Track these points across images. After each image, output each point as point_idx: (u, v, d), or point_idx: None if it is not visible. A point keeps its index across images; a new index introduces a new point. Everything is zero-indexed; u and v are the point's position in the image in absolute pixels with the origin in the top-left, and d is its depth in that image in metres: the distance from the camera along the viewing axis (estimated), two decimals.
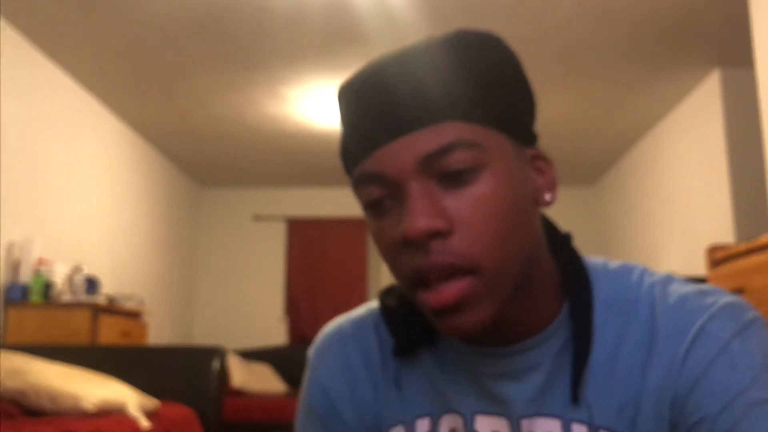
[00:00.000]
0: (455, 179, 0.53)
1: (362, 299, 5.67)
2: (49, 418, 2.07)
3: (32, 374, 2.21)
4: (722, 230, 3.63)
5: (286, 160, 5.28)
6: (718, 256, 2.45)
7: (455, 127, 0.53)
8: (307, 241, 5.93)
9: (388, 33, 3.24)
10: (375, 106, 0.55)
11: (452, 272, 0.53)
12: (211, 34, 3.29)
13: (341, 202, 5.95)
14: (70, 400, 2.15)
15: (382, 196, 0.56)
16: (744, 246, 2.27)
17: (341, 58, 3.53)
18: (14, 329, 3.13)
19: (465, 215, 0.53)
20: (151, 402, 2.47)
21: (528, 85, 0.60)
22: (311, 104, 4.16)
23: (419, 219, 0.52)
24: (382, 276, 6.07)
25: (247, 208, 6.07)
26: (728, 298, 0.58)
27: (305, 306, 5.81)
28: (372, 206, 0.57)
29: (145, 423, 2.25)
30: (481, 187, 0.53)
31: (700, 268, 3.64)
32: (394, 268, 0.57)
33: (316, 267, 5.88)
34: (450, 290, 0.53)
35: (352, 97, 0.58)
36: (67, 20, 3.16)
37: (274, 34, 3.28)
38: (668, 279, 0.62)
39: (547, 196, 0.60)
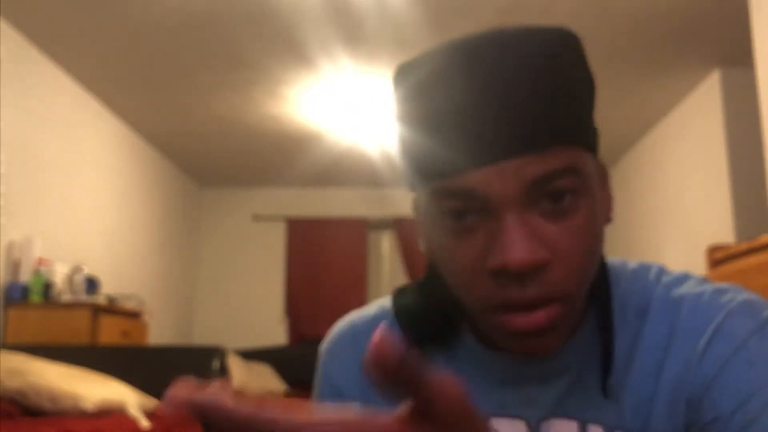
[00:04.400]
0: (557, 208, 0.51)
1: (362, 299, 5.67)
2: (49, 418, 2.07)
3: (32, 374, 2.21)
4: (722, 230, 3.63)
5: (286, 160, 5.28)
6: (718, 256, 2.45)
7: (561, 152, 0.51)
8: (307, 241, 5.93)
9: (388, 33, 3.24)
10: (481, 120, 0.50)
11: (545, 302, 0.52)
12: (211, 34, 3.29)
13: (341, 202, 5.95)
14: (70, 400, 2.15)
15: (470, 217, 0.52)
16: (744, 246, 2.28)
17: (341, 59, 3.53)
18: (14, 329, 3.13)
19: (563, 247, 0.51)
20: (151, 402, 2.47)
21: (593, 81, 0.57)
22: (311, 104, 4.16)
23: (521, 251, 0.49)
24: (382, 276, 6.07)
25: (247, 208, 6.07)
26: (745, 296, 0.58)
27: (305, 306, 5.81)
28: (451, 219, 0.52)
29: (145, 423, 2.25)
30: (580, 218, 0.52)
31: (700, 268, 3.63)
32: (469, 290, 0.54)
33: (316, 267, 5.88)
34: (542, 315, 0.51)
35: (448, 94, 0.51)
36: (67, 20, 3.16)
37: (274, 34, 3.28)
38: (684, 277, 0.62)
39: (611, 214, 0.59)
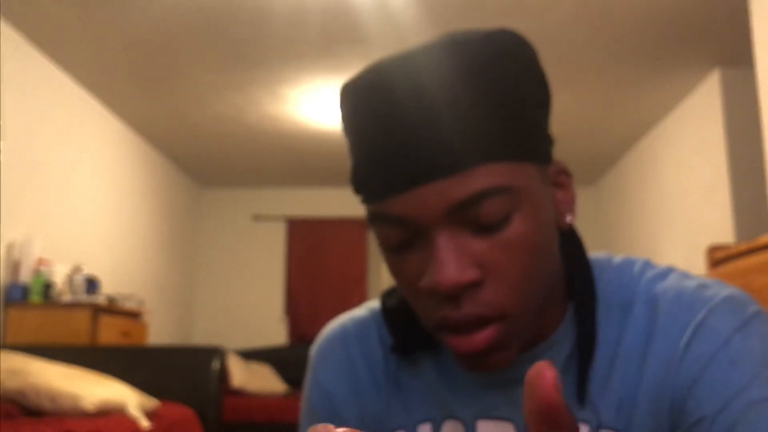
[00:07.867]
0: (485, 226, 0.50)
1: (362, 299, 5.67)
2: (49, 418, 2.07)
3: (32, 374, 2.21)
4: (722, 230, 3.63)
5: (286, 160, 5.28)
6: (718, 256, 2.45)
7: (486, 171, 0.49)
8: (307, 241, 5.93)
9: (388, 33, 3.24)
10: (394, 148, 0.49)
11: (483, 322, 0.51)
12: (210, 34, 3.29)
13: (341, 202, 5.96)
14: (70, 400, 2.15)
15: (404, 239, 0.52)
16: (744, 246, 2.27)
17: (341, 58, 3.53)
18: (14, 329, 3.13)
19: (496, 262, 0.50)
20: (151, 402, 2.47)
21: (546, 85, 0.55)
22: (311, 104, 4.16)
23: (450, 271, 0.49)
24: (382, 276, 6.07)
25: (247, 208, 6.07)
26: (728, 291, 0.57)
27: (305, 306, 5.81)
28: (388, 241, 0.53)
29: (145, 423, 2.25)
30: (512, 231, 0.50)
31: (700, 268, 3.63)
32: (416, 305, 0.54)
33: (316, 267, 5.88)
34: (480, 337, 0.51)
35: (364, 125, 0.52)
36: (67, 20, 3.16)
37: (274, 34, 3.28)
38: (668, 271, 0.61)
39: (568, 218, 0.57)
